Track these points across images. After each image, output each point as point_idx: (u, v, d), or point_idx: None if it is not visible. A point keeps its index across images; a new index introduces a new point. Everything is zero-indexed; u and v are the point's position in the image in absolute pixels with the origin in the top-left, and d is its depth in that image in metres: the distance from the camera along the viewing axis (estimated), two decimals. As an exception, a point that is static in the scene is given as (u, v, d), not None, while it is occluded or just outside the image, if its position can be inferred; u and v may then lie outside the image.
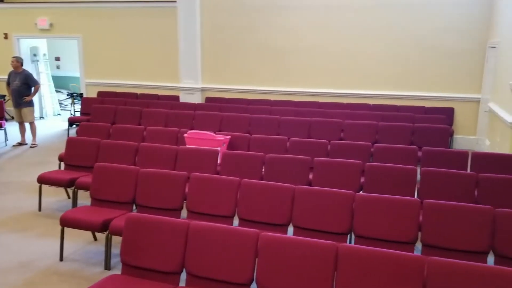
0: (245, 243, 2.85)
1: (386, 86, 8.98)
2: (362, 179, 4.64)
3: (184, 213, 4.16)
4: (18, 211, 5.39)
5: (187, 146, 5.82)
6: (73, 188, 5.15)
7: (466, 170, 5.01)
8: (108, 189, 4.29)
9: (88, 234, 4.69)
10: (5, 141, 8.90)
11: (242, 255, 2.84)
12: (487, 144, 7.52)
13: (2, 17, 11.50)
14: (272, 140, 5.86)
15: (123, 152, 5.43)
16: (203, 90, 10.14)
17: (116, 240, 4.32)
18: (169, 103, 8.88)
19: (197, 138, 5.96)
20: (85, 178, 5.10)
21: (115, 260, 4.11)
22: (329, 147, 5.62)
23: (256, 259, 2.83)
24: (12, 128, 9.80)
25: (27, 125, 8.80)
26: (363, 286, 2.59)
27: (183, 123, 7.52)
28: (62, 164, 5.89)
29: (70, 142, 5.67)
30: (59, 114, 12.48)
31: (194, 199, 4.02)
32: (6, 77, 8.65)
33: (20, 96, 8.42)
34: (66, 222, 4.04)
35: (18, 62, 8.44)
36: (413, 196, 4.34)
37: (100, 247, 4.41)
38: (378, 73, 8.98)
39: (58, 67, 15.86)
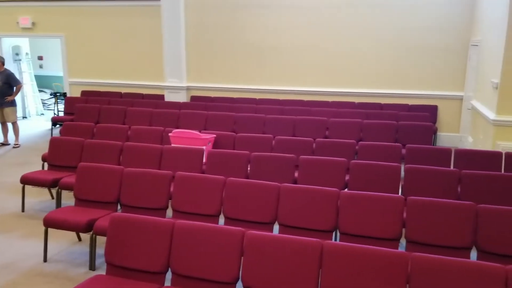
0: (231, 241, 2.85)
1: (371, 84, 9.05)
2: (347, 177, 4.67)
3: (169, 212, 4.14)
4: (1, 212, 5.31)
5: (172, 145, 5.80)
6: (56, 188, 5.09)
7: (449, 167, 5.08)
8: (92, 189, 4.25)
9: (72, 234, 4.64)
10: (-13, 142, 8.76)
11: (227, 254, 2.84)
12: (470, 141, 7.63)
13: (-18, 16, 11.31)
14: (257, 138, 5.86)
15: (108, 151, 5.39)
16: (188, 89, 10.10)
17: (101, 240, 4.29)
18: (153, 102, 8.83)
19: (182, 137, 5.93)
20: (69, 178, 5.05)
21: (100, 260, 4.08)
22: (314, 145, 5.64)
23: (242, 257, 2.83)
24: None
25: (9, 125, 8.68)
26: (348, 282, 2.61)
27: (168, 122, 7.48)
28: (46, 164, 5.82)
29: (53, 142, 5.61)
30: (43, 114, 12.32)
31: (179, 198, 4.00)
32: (-13, 76, 8.50)
33: (2, 96, 8.29)
34: (50, 223, 3.99)
35: (-1, 61, 8.32)
36: (397, 193, 4.38)
37: (85, 247, 4.37)
38: (363, 71, 9.05)
39: (41, 66, 15.66)
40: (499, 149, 5.75)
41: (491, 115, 6.09)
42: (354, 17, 8.92)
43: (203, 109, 8.27)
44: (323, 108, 8.03)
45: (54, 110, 11.55)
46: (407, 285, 2.54)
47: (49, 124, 10.29)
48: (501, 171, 4.98)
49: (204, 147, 5.34)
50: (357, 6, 8.86)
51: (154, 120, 7.60)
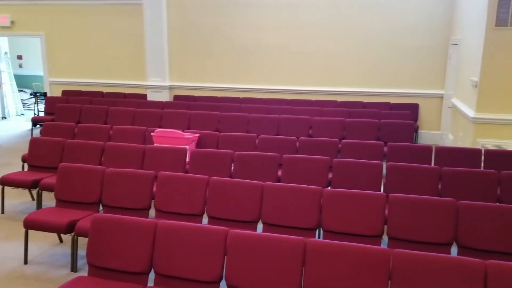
0: (214, 241, 2.84)
1: (353, 83, 9.12)
2: (330, 175, 4.70)
3: (152, 212, 4.11)
4: (-21, 214, 5.22)
5: (155, 144, 5.76)
6: (37, 189, 5.01)
7: (430, 164, 5.15)
8: (74, 189, 4.20)
9: (54, 236, 4.58)
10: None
11: (211, 253, 2.83)
12: (450, 138, 7.74)
13: (-41, 14, 11.07)
14: (241, 137, 5.86)
15: (89, 152, 5.33)
16: (170, 88, 10.04)
17: (83, 241, 4.25)
18: (136, 101, 8.75)
19: (165, 137, 5.90)
20: (50, 179, 4.98)
21: (82, 262, 4.03)
22: (297, 143, 5.66)
23: (225, 256, 2.83)
24: (-28, 129, 9.46)
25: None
26: (331, 280, 2.62)
27: (150, 121, 7.43)
28: (26, 165, 5.73)
29: (33, 142, 5.52)
30: (22, 114, 12.12)
31: (162, 198, 3.97)
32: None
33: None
34: (30, 224, 3.93)
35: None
36: (380, 191, 4.43)
37: (66, 249, 4.32)
38: (345, 70, 9.11)
39: (20, 66, 15.40)
40: (479, 146, 5.85)
41: (470, 113, 6.19)
42: (337, 17, 8.97)
43: (186, 108, 8.23)
44: (306, 107, 8.06)
45: (34, 110, 11.38)
46: (389, 281, 2.57)
47: (29, 125, 10.13)
48: (480, 168, 5.07)
49: (187, 147, 5.32)
50: (340, 6, 8.92)
51: (137, 119, 7.54)
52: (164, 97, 9.88)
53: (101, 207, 4.22)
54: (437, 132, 8.85)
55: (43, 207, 4.72)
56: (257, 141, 5.79)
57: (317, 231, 3.78)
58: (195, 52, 9.84)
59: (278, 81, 9.50)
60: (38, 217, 3.93)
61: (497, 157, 5.03)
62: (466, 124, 6.48)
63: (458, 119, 7.20)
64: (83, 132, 6.33)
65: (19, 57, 15.34)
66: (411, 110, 8.41)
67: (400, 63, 8.83)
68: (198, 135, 6.00)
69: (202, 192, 3.92)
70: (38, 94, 11.11)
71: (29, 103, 13.53)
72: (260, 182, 3.86)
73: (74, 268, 3.91)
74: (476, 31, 6.32)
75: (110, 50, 10.35)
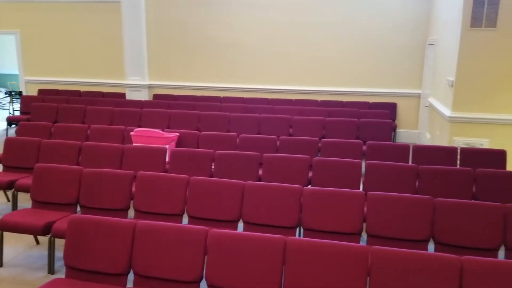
0: (194, 240, 2.83)
1: (333, 82, 9.19)
2: (310, 174, 4.73)
3: (131, 213, 4.07)
4: (-48, 216, 5.08)
5: (134, 144, 5.70)
6: (12, 190, 4.90)
7: (408, 163, 5.22)
8: (50, 190, 4.13)
9: (30, 238, 4.50)
10: None
11: (191, 253, 2.81)
12: (427, 137, 7.87)
13: None
14: (221, 136, 5.85)
15: (66, 152, 5.24)
16: (150, 87, 9.95)
17: (60, 243, 4.17)
18: (114, 100, 8.64)
19: (144, 136, 5.84)
20: (25, 179, 4.88)
21: (59, 263, 3.96)
22: (278, 143, 5.68)
23: (206, 256, 2.82)
24: None
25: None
26: (311, 277, 2.64)
27: (129, 121, 7.35)
28: (1, 166, 5.60)
29: (8, 142, 5.40)
30: (-3, 114, 11.87)
31: (141, 198, 3.94)
32: None
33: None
34: (6, 226, 3.85)
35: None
36: (359, 189, 4.47)
37: (43, 251, 4.24)
38: (325, 70, 9.17)
39: (-6, 64, 15.08)
40: (455, 145, 5.96)
41: (447, 112, 6.30)
42: (315, 17, 9.03)
43: (166, 108, 8.16)
44: (286, 106, 8.09)
45: (9, 109, 11.14)
46: (368, 278, 2.60)
47: (4, 124, 9.91)
48: (456, 166, 5.17)
49: (167, 146, 5.28)
50: (320, 5, 8.97)
51: (115, 119, 7.45)
52: (144, 96, 9.79)
53: (78, 208, 4.15)
54: (415, 131, 8.99)
55: (18, 209, 4.62)
56: (237, 140, 5.79)
57: (298, 229, 3.79)
58: (174, 51, 9.77)
59: (258, 80, 9.51)
60: (14, 219, 3.85)
61: (472, 155, 5.14)
62: (443, 123, 6.60)
63: (435, 118, 7.32)
64: (60, 132, 6.22)
65: (-7, 56, 15.01)
66: (390, 110, 8.52)
67: (379, 63, 8.93)
68: (178, 134, 5.96)
69: (182, 192, 3.89)
70: (13, 93, 10.87)
71: (4, 102, 13.23)
72: (240, 181, 3.85)
73: (51, 270, 3.84)
74: (452, 32, 6.43)
75: (88, 48, 10.20)
